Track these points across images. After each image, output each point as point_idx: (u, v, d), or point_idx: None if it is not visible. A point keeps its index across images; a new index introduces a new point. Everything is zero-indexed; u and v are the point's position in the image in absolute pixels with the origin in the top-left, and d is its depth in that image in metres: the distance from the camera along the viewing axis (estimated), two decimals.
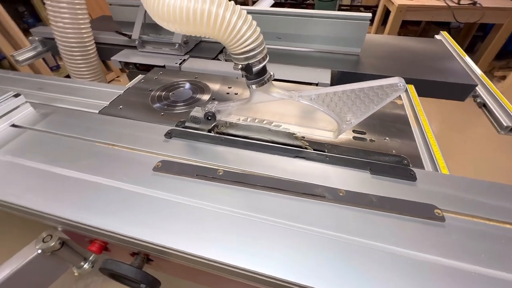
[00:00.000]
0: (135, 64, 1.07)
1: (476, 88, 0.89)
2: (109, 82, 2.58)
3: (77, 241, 0.68)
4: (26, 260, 0.76)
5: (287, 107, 0.72)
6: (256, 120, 0.61)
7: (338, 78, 0.98)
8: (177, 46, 1.05)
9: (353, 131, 0.70)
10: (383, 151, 0.63)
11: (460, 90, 0.90)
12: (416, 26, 3.16)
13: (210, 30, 0.43)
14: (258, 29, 0.46)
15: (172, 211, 0.50)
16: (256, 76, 0.50)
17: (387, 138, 0.67)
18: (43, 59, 2.12)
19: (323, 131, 0.58)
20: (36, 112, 0.77)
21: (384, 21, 2.63)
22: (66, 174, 0.59)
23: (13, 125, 0.72)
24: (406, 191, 0.53)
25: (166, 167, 0.58)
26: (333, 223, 0.48)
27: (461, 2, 2.10)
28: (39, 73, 2.05)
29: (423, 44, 1.16)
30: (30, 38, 1.24)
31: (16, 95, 0.73)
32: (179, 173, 0.57)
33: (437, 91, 0.92)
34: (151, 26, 1.09)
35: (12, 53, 1.19)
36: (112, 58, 1.08)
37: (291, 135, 0.62)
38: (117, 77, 2.79)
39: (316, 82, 0.89)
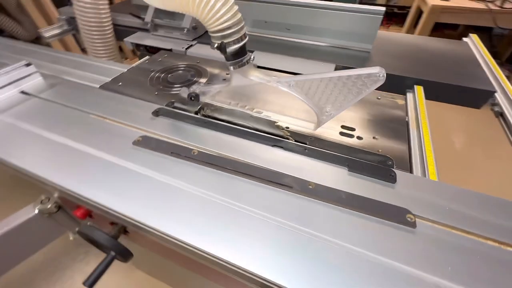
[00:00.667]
0: (145, 46, 1.10)
1: (495, 94, 0.81)
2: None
3: (67, 205, 0.72)
4: (24, 219, 0.82)
5: (282, 97, 0.70)
6: (239, 105, 0.60)
7: None
8: (185, 31, 1.06)
9: (342, 126, 0.67)
10: (369, 149, 0.59)
11: (476, 96, 0.82)
12: (453, 31, 2.92)
13: (185, 4, 0.43)
14: (236, 7, 0.45)
15: (145, 185, 0.52)
16: (233, 57, 0.50)
17: (377, 137, 0.63)
18: (76, 39, 2.27)
19: (304, 121, 0.56)
20: (45, 82, 0.82)
21: (417, 23, 2.46)
22: (58, 141, 0.63)
23: (22, 92, 0.78)
24: (381, 192, 0.50)
25: (145, 142, 0.60)
26: (295, 214, 0.46)
27: (505, 6, 1.90)
28: (69, 51, 2.20)
29: (447, 45, 1.07)
30: (58, 17, 1.33)
31: (28, 64, 0.79)
32: (155, 149, 0.58)
33: (450, 95, 0.85)
34: (165, 10, 1.11)
35: (40, 29, 1.28)
36: (125, 39, 1.12)
37: (272, 123, 0.61)
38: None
39: None
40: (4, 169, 0.63)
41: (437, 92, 0.86)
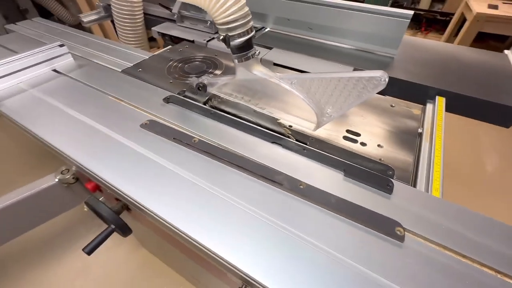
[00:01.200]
0: (170, 36, 1.15)
1: None
2: None
3: (83, 179, 0.78)
4: (45, 186, 0.91)
5: (289, 96, 0.69)
6: (244, 99, 0.61)
7: None
8: (208, 23, 1.09)
9: (347, 130, 0.65)
10: (371, 157, 0.57)
11: (506, 114, 0.75)
12: (501, 42, 2.66)
13: None
14: (243, 1, 0.46)
15: (145, 167, 0.55)
16: (238, 50, 0.51)
17: (382, 145, 0.61)
18: (113, 26, 2.41)
19: (307, 122, 0.55)
20: (75, 62, 0.89)
21: (459, 31, 2.29)
22: (76, 117, 0.68)
23: (54, 70, 0.85)
24: (374, 201, 0.48)
25: (152, 126, 0.63)
26: (280, 211, 0.47)
27: None
28: (107, 37, 2.34)
29: (483, 56, 0.99)
30: (97, 3, 1.43)
31: (61, 45, 0.86)
32: (160, 133, 0.61)
33: (477, 110, 0.79)
34: None
35: (80, 14, 1.39)
36: (152, 28, 1.18)
37: (274, 120, 0.61)
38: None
39: None
40: (34, 140, 0.70)
41: (462, 105, 0.80)
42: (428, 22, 3.22)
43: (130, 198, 0.50)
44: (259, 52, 0.53)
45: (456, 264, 0.40)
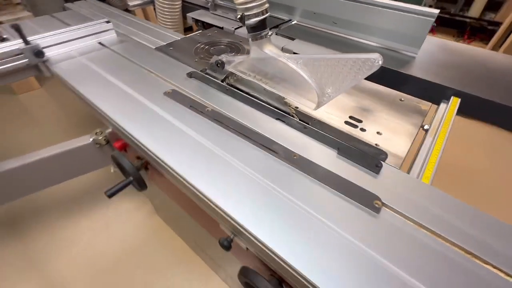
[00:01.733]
0: (202, 22, 1.24)
1: None
2: None
3: (111, 140, 0.89)
4: (80, 144, 1.05)
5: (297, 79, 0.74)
6: (256, 77, 0.67)
7: (378, 74, 0.91)
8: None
9: (350, 116, 0.68)
10: (368, 141, 0.60)
11: None
12: None
13: None
14: None
15: (164, 127, 0.63)
16: (253, 29, 0.56)
17: (382, 132, 0.63)
18: (155, 11, 2.60)
19: (307, 101, 0.60)
20: (117, 38, 1.01)
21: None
22: (114, 82, 0.79)
23: (100, 43, 0.98)
24: (360, 178, 0.52)
25: (173, 94, 0.71)
26: (273, 175, 0.52)
27: None
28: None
29: None
30: None
31: (107, 22, 0.98)
32: (179, 101, 0.69)
33: (495, 115, 0.77)
34: None
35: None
36: (188, 14, 1.28)
37: (281, 99, 0.66)
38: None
39: None
40: (81, 104, 0.81)
41: (479, 108, 0.78)
42: (472, 30, 3.02)
43: (149, 151, 0.58)
44: (271, 33, 0.58)
45: (425, 238, 0.43)
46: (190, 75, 0.80)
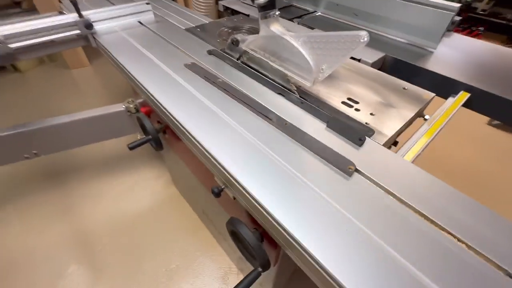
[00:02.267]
0: (232, 9, 1.33)
1: None
2: None
3: (141, 107, 1.01)
4: (114, 111, 1.20)
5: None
6: (264, 55, 0.74)
7: (391, 65, 0.93)
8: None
9: (348, 98, 0.72)
10: (359, 120, 0.64)
11: None
12: None
13: None
14: None
15: (179, 91, 0.73)
16: (262, 8, 0.64)
17: (375, 114, 0.67)
18: None
19: (306, 77, 0.65)
20: (154, 18, 1.14)
21: None
22: (146, 54, 0.91)
23: (139, 21, 1.11)
24: (341, 147, 0.57)
25: (192, 66, 0.81)
26: (265, 138, 0.59)
27: None
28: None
29: None
30: None
31: (147, 3, 1.11)
32: (196, 72, 0.79)
33: (503, 111, 0.75)
34: None
35: None
36: (219, 2, 1.38)
37: (284, 76, 0.72)
38: None
39: (359, 58, 0.90)
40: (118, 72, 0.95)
41: (489, 104, 0.77)
42: None
43: (162, 106, 0.68)
44: (278, 13, 0.65)
45: (392, 203, 0.47)
46: (210, 52, 0.89)
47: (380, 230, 0.43)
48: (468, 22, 2.67)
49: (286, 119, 0.63)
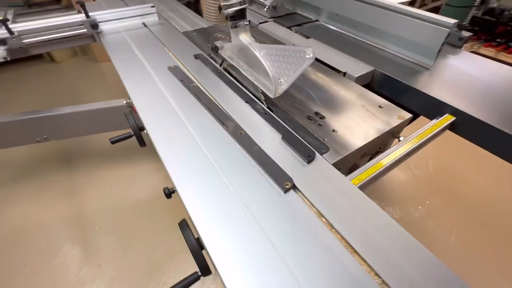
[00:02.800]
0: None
1: None
2: None
3: None
4: (116, 104, 1.28)
5: None
6: (239, 63, 0.75)
7: (379, 81, 0.89)
8: (266, 8, 1.24)
9: (315, 112, 0.70)
10: (318, 136, 0.63)
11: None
12: None
13: None
14: None
15: (154, 91, 0.77)
16: (231, 18, 0.65)
17: (337, 131, 0.64)
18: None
19: (269, 88, 0.65)
20: (158, 21, 1.20)
21: None
22: (137, 55, 0.96)
23: (143, 23, 1.18)
24: (287, 162, 0.56)
25: (174, 69, 0.85)
26: (214, 145, 0.60)
27: None
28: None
29: None
30: None
31: (152, 6, 1.18)
32: (175, 74, 0.82)
33: (487, 138, 0.68)
34: None
35: None
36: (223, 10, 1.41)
37: (256, 87, 0.72)
38: None
39: (344, 72, 0.87)
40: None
41: (475, 131, 0.70)
42: None
43: (136, 105, 0.72)
44: (248, 23, 0.65)
45: (321, 229, 0.45)
46: (196, 56, 0.92)
47: (295, 253, 0.42)
48: (505, 37, 2.43)
49: (244, 128, 0.63)
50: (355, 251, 0.43)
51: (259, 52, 0.62)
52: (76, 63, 2.89)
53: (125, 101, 1.31)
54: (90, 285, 1.24)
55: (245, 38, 0.66)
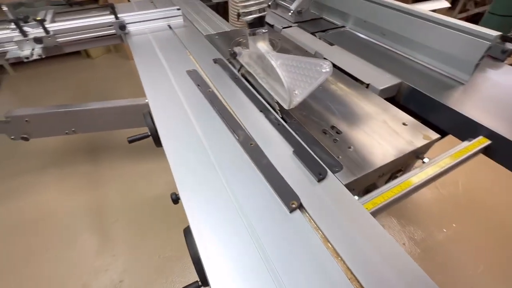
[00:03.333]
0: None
1: None
2: None
3: None
4: (139, 103, 1.32)
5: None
6: (256, 71, 0.73)
7: (406, 95, 0.82)
8: (290, 13, 1.21)
9: (331, 126, 0.66)
10: (332, 152, 0.59)
11: None
12: None
13: None
14: None
15: (172, 94, 0.77)
16: (250, 25, 0.63)
17: (352, 148, 0.60)
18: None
19: (282, 98, 0.62)
20: (183, 23, 1.22)
21: None
22: (159, 56, 0.98)
23: (168, 25, 1.21)
24: (296, 178, 0.53)
25: (191, 73, 0.85)
26: (222, 154, 0.59)
27: None
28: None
29: None
30: None
31: (178, 9, 1.20)
32: (193, 79, 0.82)
33: None
34: None
35: None
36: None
37: (271, 96, 0.70)
38: None
39: (368, 83, 0.82)
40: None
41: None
42: None
43: (151, 107, 0.73)
44: (266, 31, 0.63)
45: (325, 255, 0.42)
46: (215, 61, 0.92)
47: (294, 278, 0.39)
48: None
49: (255, 139, 0.61)
50: (361, 286, 0.39)
51: (275, 61, 0.60)
52: (109, 59, 3.05)
53: (146, 100, 1.35)
54: (104, 275, 1.29)
55: (262, 46, 0.64)
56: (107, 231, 1.45)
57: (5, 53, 1.00)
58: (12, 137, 1.40)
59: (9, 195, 1.62)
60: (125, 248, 1.39)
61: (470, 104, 0.72)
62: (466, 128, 0.69)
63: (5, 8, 1.05)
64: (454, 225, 1.46)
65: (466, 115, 0.69)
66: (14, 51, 1.00)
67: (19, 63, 2.98)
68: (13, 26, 0.98)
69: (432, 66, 0.87)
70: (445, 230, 1.44)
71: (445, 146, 0.68)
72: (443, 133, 0.71)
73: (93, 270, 1.31)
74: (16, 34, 0.98)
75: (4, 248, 1.38)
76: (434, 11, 0.86)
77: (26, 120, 1.34)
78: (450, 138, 0.76)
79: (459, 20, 0.76)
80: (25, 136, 1.40)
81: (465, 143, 0.66)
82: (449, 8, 3.19)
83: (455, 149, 0.64)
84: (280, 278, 0.39)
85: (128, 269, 1.31)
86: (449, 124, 0.73)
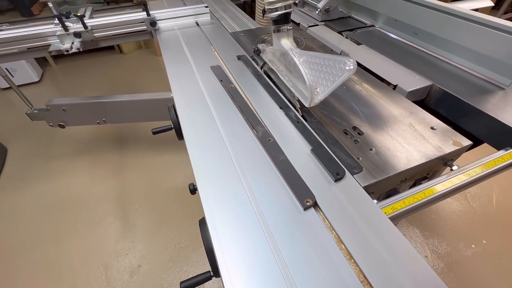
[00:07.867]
0: None
1: None
2: None
3: None
4: (164, 97, 1.37)
5: None
6: (279, 68, 0.73)
7: (437, 98, 0.78)
8: (318, 11, 1.19)
9: (353, 127, 0.64)
10: (352, 153, 0.58)
11: None
12: None
13: None
14: None
15: (194, 87, 0.80)
16: (274, 22, 0.63)
17: (374, 150, 0.58)
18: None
19: (303, 95, 0.62)
20: (210, 20, 1.25)
21: None
22: (185, 52, 1.01)
23: (196, 22, 1.24)
24: (313, 177, 0.52)
25: (215, 68, 0.87)
26: (241, 148, 0.59)
27: None
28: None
29: None
30: None
31: (206, 7, 1.23)
32: (216, 74, 0.84)
33: None
34: None
35: None
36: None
37: (292, 93, 0.70)
38: None
39: (395, 84, 0.79)
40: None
41: None
42: None
43: (175, 100, 0.76)
44: (290, 28, 0.63)
45: (337, 256, 0.41)
46: (239, 57, 0.93)
47: (305, 278, 0.39)
48: None
49: (274, 135, 0.61)
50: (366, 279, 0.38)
51: (298, 58, 0.59)
52: (140, 55, 3.20)
53: (172, 94, 1.40)
54: (123, 259, 1.36)
55: (286, 43, 0.64)
56: (129, 217, 1.53)
57: (48, 45, 1.09)
58: (51, 124, 1.52)
59: (46, 176, 1.76)
60: (144, 235, 1.45)
61: (509, 111, 0.67)
62: (503, 137, 0.64)
63: (50, 5, 1.14)
64: (484, 241, 1.36)
65: (504, 122, 0.64)
66: (56, 44, 1.09)
67: (59, 57, 3.23)
68: (56, 21, 1.06)
69: (469, 68, 0.81)
70: (473, 246, 1.34)
71: (479, 156, 0.63)
72: (476, 141, 0.66)
73: (114, 252, 1.38)
74: (58, 29, 1.07)
75: (38, 223, 1.51)
76: (476, 10, 0.81)
77: (63, 109, 1.45)
78: (485, 147, 0.71)
79: (502, 20, 0.70)
80: (61, 123, 1.51)
81: (501, 152, 0.61)
82: (493, 7, 2.96)
83: (489, 157, 0.59)
84: (291, 275, 0.39)
85: (145, 256, 1.37)
86: (485, 131, 0.68)
